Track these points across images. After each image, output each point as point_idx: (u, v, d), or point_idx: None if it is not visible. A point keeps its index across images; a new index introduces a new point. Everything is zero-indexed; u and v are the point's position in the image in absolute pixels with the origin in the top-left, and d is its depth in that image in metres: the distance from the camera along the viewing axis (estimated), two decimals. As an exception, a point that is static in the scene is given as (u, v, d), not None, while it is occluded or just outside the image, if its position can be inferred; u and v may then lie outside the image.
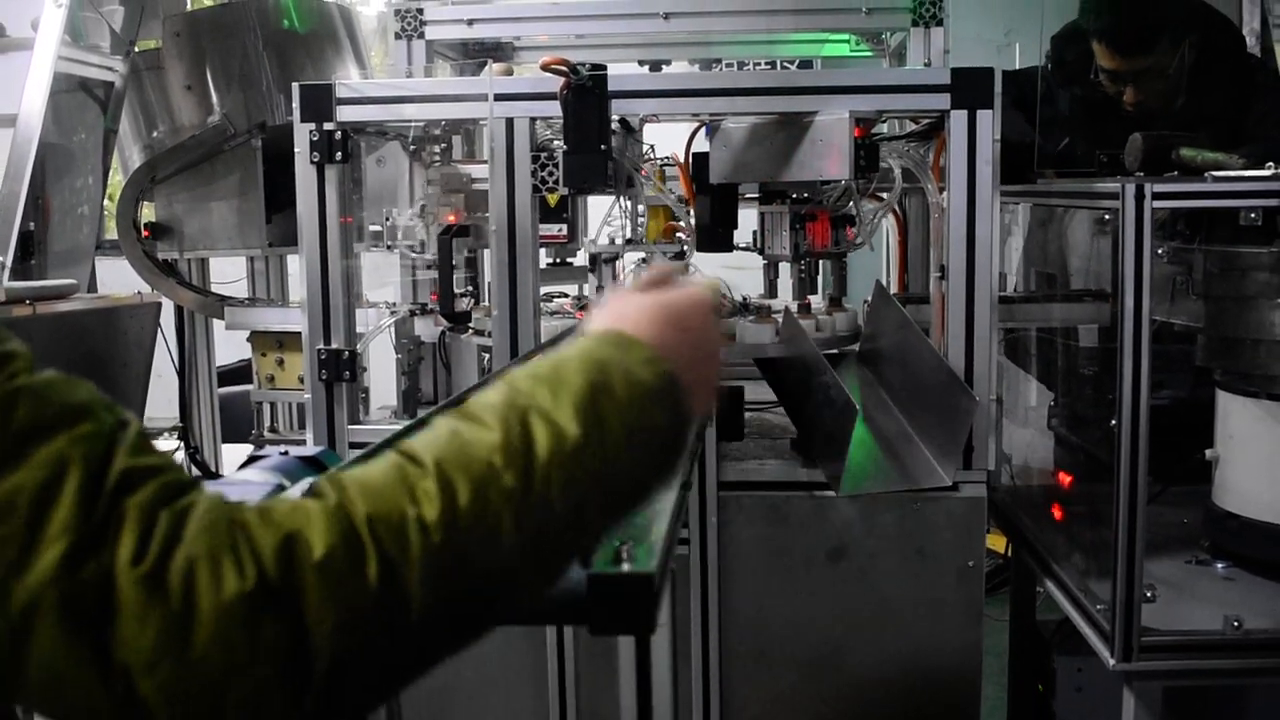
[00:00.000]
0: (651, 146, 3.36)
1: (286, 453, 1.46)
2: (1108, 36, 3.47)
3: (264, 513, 0.88)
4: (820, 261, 3.46)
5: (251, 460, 1.46)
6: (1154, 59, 3.48)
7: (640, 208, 3.30)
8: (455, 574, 0.90)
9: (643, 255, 3.19)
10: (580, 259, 3.53)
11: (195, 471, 4.39)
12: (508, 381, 1.02)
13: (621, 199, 3.15)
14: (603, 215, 3.26)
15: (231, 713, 0.82)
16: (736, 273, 3.86)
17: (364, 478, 0.92)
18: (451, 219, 3.05)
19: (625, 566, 1.13)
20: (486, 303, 3.13)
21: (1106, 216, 2.48)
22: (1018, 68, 3.62)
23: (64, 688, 0.81)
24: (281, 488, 1.34)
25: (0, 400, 0.83)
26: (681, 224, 3.21)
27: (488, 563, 0.92)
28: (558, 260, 3.42)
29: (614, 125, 2.96)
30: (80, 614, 0.80)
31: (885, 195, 3.23)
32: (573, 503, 0.96)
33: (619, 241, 3.15)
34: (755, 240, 3.37)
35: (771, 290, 3.43)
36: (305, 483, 1.18)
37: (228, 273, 4.56)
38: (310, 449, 1.48)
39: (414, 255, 3.13)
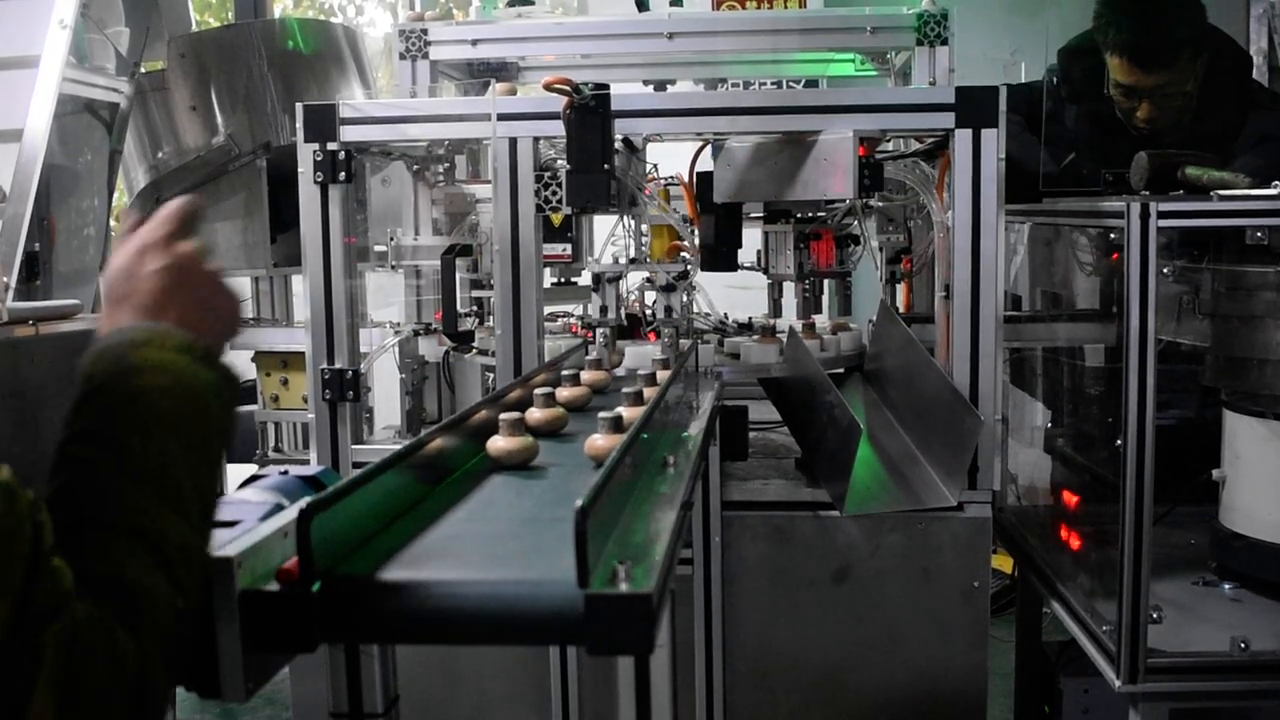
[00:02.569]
0: (655, 166, 3.36)
1: (286, 472, 1.46)
2: (1128, 51, 3.44)
3: None
4: (824, 281, 3.46)
5: (251, 480, 1.45)
6: (1173, 74, 3.46)
7: (644, 227, 3.30)
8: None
9: (647, 275, 3.18)
10: (585, 279, 3.53)
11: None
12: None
13: (625, 218, 3.14)
14: (606, 235, 3.26)
15: None
16: (742, 293, 3.86)
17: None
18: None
19: (623, 586, 1.12)
20: (491, 323, 3.13)
21: (1112, 235, 2.47)
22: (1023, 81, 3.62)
23: None
24: (280, 507, 1.34)
25: None
26: (685, 244, 3.21)
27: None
28: (562, 280, 3.42)
29: (617, 145, 2.96)
30: None
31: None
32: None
33: (623, 261, 3.14)
34: (759, 260, 3.37)
35: (775, 310, 3.42)
36: (303, 502, 1.17)
37: (233, 293, 4.56)
38: (310, 468, 1.48)
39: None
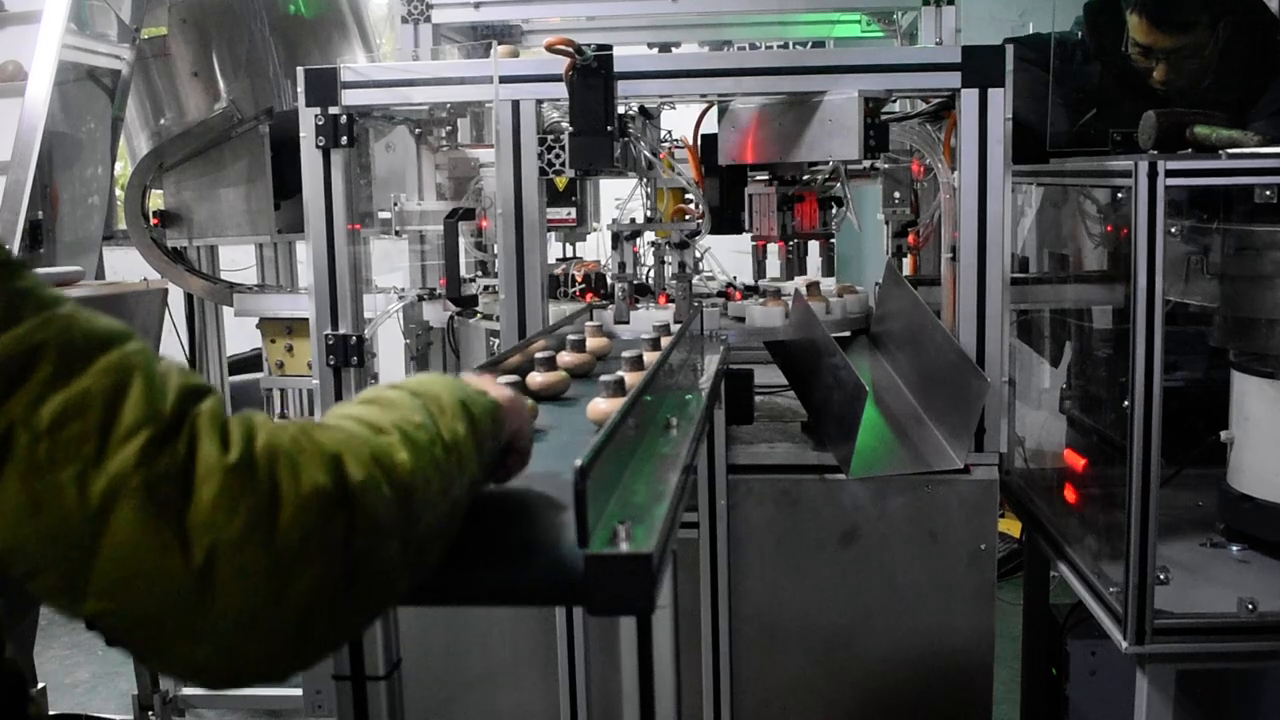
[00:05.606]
0: (669, 132, 3.34)
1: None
2: (1147, 10, 3.39)
3: (309, 430, 0.98)
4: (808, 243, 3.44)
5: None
6: (1190, 38, 3.41)
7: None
8: (419, 506, 1.04)
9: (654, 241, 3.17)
10: (590, 243, 3.51)
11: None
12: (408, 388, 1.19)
13: (642, 183, 3.13)
14: (615, 200, 3.24)
15: (295, 597, 0.90)
16: (749, 257, 3.83)
17: (346, 429, 1.04)
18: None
19: (624, 546, 1.11)
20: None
21: (1120, 195, 2.45)
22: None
23: (140, 574, 0.85)
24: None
25: (56, 321, 0.89)
26: (692, 205, 3.19)
27: (431, 509, 1.06)
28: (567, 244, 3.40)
29: (633, 111, 2.94)
30: (162, 500, 0.86)
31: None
32: (455, 487, 1.12)
33: (639, 219, 3.13)
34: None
35: (760, 271, 3.40)
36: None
37: (238, 260, 4.56)
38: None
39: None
